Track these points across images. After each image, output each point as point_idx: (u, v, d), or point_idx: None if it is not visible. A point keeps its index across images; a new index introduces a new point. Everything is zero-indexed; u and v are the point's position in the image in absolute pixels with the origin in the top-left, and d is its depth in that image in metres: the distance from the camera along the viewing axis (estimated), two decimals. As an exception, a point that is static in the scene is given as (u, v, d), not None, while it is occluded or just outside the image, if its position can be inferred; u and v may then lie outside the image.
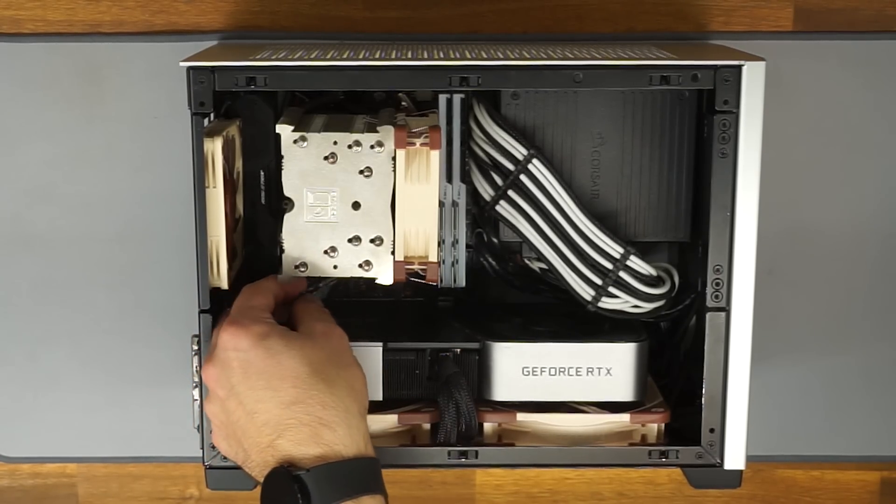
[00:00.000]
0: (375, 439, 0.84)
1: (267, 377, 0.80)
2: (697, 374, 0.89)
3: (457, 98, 0.94)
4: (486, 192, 0.93)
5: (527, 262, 0.97)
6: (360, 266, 0.90)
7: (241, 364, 0.81)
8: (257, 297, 0.86)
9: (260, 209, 0.93)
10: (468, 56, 0.88)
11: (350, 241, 0.89)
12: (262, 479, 0.80)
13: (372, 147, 0.88)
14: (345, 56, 0.88)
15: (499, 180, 0.92)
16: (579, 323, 0.94)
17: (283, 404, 0.79)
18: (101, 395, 1.10)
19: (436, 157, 0.87)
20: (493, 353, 0.91)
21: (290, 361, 0.81)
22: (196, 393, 0.88)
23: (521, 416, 0.92)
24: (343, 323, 0.87)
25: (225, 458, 0.88)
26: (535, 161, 0.91)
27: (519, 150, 0.91)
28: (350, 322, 0.87)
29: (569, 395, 0.92)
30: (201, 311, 0.86)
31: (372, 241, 0.89)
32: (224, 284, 0.87)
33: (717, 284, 0.88)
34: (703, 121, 0.90)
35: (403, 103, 0.96)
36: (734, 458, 0.89)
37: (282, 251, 0.90)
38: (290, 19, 1.04)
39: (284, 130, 0.88)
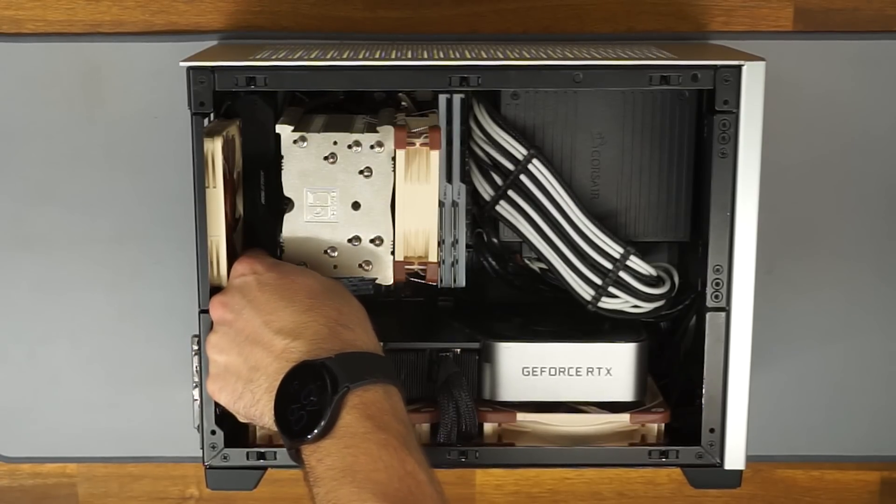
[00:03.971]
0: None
1: (282, 291, 0.82)
2: (697, 374, 0.89)
3: (457, 98, 0.94)
4: (486, 192, 0.93)
5: (527, 262, 0.97)
6: (360, 266, 0.90)
7: (256, 282, 0.84)
8: (259, 248, 0.89)
9: (260, 209, 0.93)
10: (468, 56, 0.88)
11: (350, 241, 0.89)
12: (271, 397, 0.79)
13: (372, 147, 0.88)
14: (345, 56, 0.88)
15: (499, 180, 0.92)
16: (579, 323, 0.94)
17: (298, 312, 0.81)
18: (101, 395, 1.10)
19: (436, 157, 0.87)
20: (494, 353, 0.91)
21: (303, 279, 0.84)
22: (196, 393, 0.88)
23: (521, 416, 0.92)
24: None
25: (225, 457, 0.88)
26: (535, 161, 0.91)
27: (519, 150, 0.91)
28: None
29: (569, 395, 0.92)
30: (201, 311, 0.86)
31: (372, 241, 0.89)
32: (224, 284, 0.87)
33: (717, 284, 0.88)
34: (703, 121, 0.90)
35: (403, 103, 0.97)
36: (734, 458, 0.89)
37: (282, 251, 0.90)
38: (290, 19, 1.04)
39: (284, 130, 0.88)
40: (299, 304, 0.81)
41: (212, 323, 0.86)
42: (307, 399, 0.77)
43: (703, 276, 0.88)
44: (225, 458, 0.89)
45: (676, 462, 0.90)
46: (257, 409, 0.81)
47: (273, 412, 0.79)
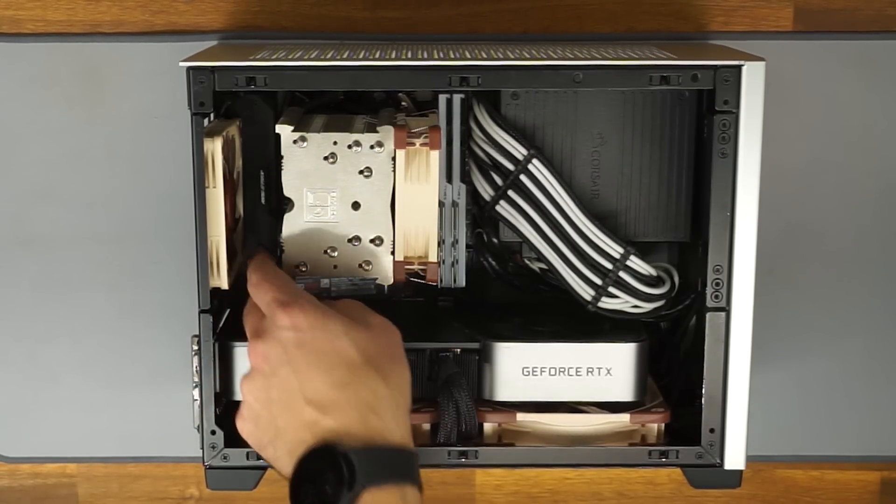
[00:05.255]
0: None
1: (321, 357, 0.80)
2: (697, 374, 0.89)
3: (457, 98, 0.94)
4: (486, 192, 0.93)
5: (527, 262, 0.97)
6: (360, 266, 0.90)
7: (297, 342, 0.80)
8: (285, 276, 0.86)
9: (260, 209, 0.93)
10: (468, 56, 0.88)
11: (350, 241, 0.89)
12: (291, 460, 0.79)
13: (372, 147, 0.88)
14: (345, 56, 0.88)
15: (499, 180, 0.92)
16: (579, 323, 0.94)
17: (334, 385, 0.79)
18: (101, 395, 1.09)
19: (436, 157, 0.87)
20: (494, 353, 0.91)
21: (347, 346, 0.80)
22: (196, 393, 0.88)
23: (521, 416, 0.92)
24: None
25: (225, 457, 0.88)
26: (535, 161, 0.91)
27: (519, 150, 0.91)
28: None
29: (569, 395, 0.92)
30: (201, 311, 0.86)
31: (372, 241, 0.89)
32: (224, 284, 0.87)
33: (717, 284, 0.88)
34: (703, 121, 0.90)
35: (403, 103, 0.97)
36: (734, 458, 0.89)
37: (282, 251, 0.90)
38: (290, 19, 1.04)
39: (284, 130, 0.88)
40: (336, 377, 0.79)
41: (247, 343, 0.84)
42: (322, 486, 0.76)
43: (703, 276, 0.88)
44: (225, 458, 0.89)
45: (676, 462, 0.90)
46: (277, 464, 0.81)
47: (290, 479, 0.79)
